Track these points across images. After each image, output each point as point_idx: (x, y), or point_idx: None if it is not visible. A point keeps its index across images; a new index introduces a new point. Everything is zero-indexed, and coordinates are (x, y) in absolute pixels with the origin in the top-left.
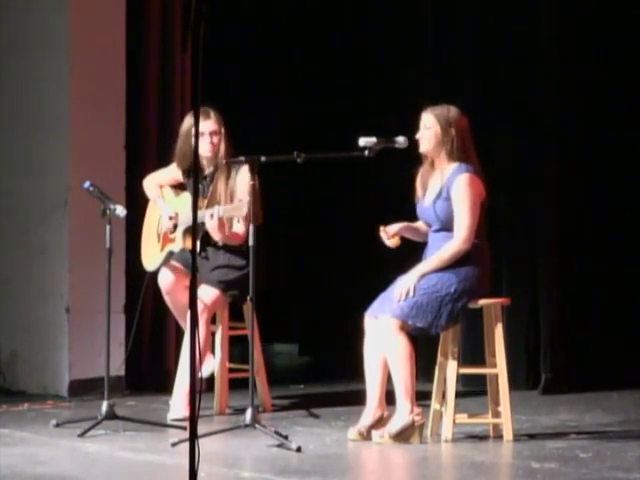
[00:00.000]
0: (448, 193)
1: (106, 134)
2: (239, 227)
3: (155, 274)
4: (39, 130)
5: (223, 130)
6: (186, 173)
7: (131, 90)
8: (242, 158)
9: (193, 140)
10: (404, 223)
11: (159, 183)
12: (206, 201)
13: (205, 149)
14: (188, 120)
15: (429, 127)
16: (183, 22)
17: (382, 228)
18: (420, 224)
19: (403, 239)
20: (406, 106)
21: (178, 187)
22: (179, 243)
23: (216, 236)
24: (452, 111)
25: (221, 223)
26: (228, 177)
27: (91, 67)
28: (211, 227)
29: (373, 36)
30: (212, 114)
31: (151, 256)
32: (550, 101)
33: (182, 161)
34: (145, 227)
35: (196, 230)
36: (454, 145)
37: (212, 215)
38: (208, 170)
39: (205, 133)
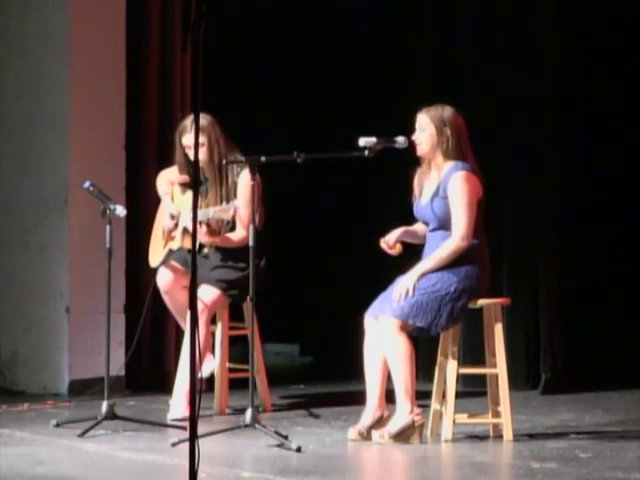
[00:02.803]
0: (445, 191)
1: (106, 134)
2: (240, 231)
3: None
4: (39, 130)
5: (212, 136)
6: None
7: (131, 90)
8: (242, 158)
9: (186, 150)
10: (401, 229)
11: (171, 180)
12: (206, 201)
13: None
14: (177, 130)
15: (424, 129)
16: (183, 22)
17: (382, 240)
18: (418, 227)
19: (403, 243)
20: (406, 106)
21: (188, 185)
22: (177, 241)
23: (202, 239)
24: (447, 111)
25: (209, 228)
26: (222, 179)
27: (91, 67)
28: (200, 237)
29: (373, 36)
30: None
31: (156, 252)
32: (551, 101)
33: (180, 169)
34: (155, 224)
35: (196, 232)
36: (450, 145)
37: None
38: (208, 173)
39: (192, 146)
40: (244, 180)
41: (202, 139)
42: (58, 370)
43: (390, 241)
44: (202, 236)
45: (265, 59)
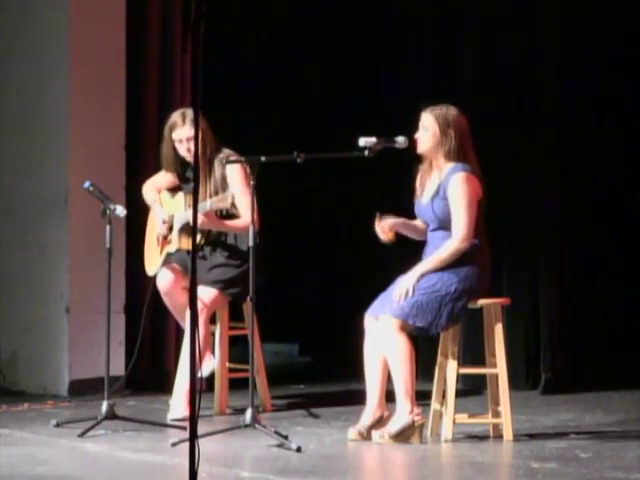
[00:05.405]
0: (445, 192)
1: (106, 134)
2: (242, 220)
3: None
4: (39, 130)
5: (204, 130)
6: (179, 176)
7: (131, 90)
8: (242, 158)
9: (176, 144)
10: (401, 219)
11: (157, 187)
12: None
13: (185, 155)
14: (167, 125)
15: (427, 127)
16: (183, 22)
17: (378, 220)
18: (418, 222)
19: (400, 237)
20: (406, 106)
21: (175, 189)
22: (174, 243)
23: (211, 227)
24: (451, 111)
25: (211, 216)
26: (211, 174)
27: (91, 67)
28: (200, 222)
29: (373, 36)
30: (187, 119)
31: (152, 260)
32: (551, 102)
33: (167, 166)
34: (147, 232)
35: (196, 231)
36: (452, 146)
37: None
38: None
39: (183, 140)
40: (234, 170)
41: (194, 132)
42: (58, 370)
43: (385, 226)
44: (207, 225)
45: (265, 59)
